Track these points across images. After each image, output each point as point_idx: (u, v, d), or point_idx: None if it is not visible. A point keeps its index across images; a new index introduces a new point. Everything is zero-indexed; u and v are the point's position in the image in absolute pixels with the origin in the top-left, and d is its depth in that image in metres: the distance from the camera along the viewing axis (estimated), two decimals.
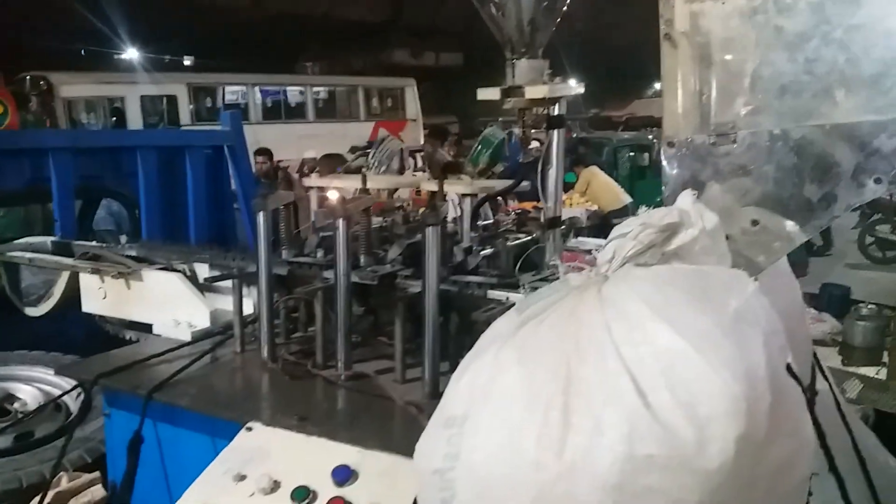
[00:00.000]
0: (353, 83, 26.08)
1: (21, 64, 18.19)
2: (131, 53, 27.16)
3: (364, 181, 3.30)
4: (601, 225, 12.97)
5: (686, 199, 1.95)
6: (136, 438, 2.75)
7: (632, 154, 16.60)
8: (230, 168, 5.56)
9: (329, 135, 21.05)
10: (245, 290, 3.51)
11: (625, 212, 12.66)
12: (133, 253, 4.04)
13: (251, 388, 2.92)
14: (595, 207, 12.27)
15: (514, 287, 2.83)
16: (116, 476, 3.14)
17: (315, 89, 25.25)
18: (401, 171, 16.27)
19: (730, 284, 1.58)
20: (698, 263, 1.78)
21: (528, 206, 12.68)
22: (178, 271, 3.82)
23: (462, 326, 2.97)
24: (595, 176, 12.63)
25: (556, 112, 3.03)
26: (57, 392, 4.20)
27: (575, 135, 16.57)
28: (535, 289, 2.75)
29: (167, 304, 3.64)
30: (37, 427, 3.76)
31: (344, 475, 2.11)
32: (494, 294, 2.80)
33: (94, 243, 4.46)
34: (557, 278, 2.93)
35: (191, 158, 5.29)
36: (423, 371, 2.71)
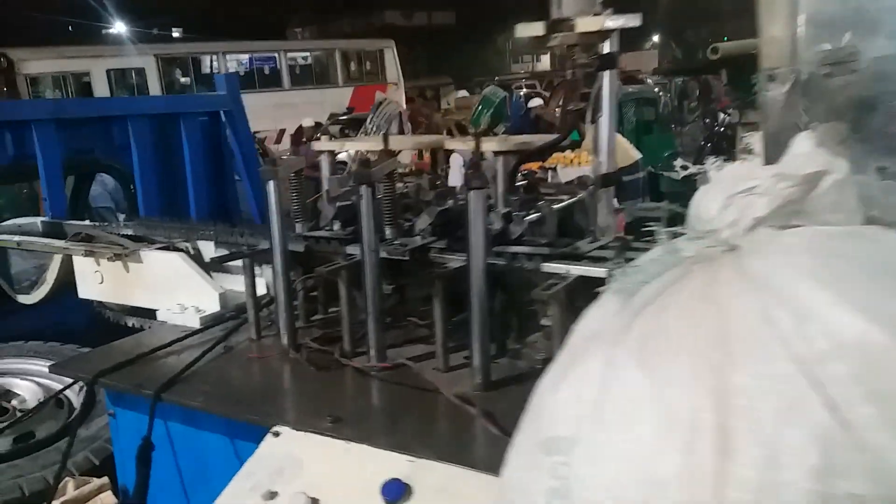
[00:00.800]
0: (329, 47, 25.14)
1: None
2: (116, 27, 26.40)
3: (386, 142, 2.91)
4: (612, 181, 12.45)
5: (806, 142, 1.57)
6: (146, 445, 2.41)
7: (637, 108, 16.07)
8: (229, 135, 5.15)
9: (306, 103, 20.27)
10: (256, 269, 3.15)
11: (635, 168, 12.26)
12: (130, 232, 3.66)
13: (273, 382, 2.57)
14: None
15: (574, 258, 2.46)
16: (127, 481, 2.81)
17: (290, 55, 24.30)
18: (400, 134, 15.82)
19: None
20: (824, 223, 1.41)
21: (533, 166, 12.27)
22: (181, 250, 3.45)
23: (512, 306, 2.61)
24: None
25: (607, 49, 2.62)
26: (58, 386, 3.86)
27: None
28: (603, 260, 2.38)
29: (170, 287, 3.28)
30: (38, 426, 3.42)
31: (397, 492, 1.77)
32: (550, 267, 2.43)
33: (88, 223, 4.08)
34: (624, 246, 2.59)
35: (186, 126, 4.88)
36: (471, 358, 2.36)
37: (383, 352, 2.56)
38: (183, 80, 20.77)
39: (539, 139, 3.06)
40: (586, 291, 2.47)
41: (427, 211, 2.86)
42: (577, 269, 2.38)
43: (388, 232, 2.81)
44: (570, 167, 11.61)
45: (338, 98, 21.68)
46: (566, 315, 2.24)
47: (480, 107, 14.88)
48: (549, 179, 11.88)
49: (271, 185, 2.62)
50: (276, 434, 2.17)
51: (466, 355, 2.59)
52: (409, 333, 2.90)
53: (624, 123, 15.41)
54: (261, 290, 3.33)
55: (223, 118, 5.11)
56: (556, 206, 2.99)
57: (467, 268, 2.29)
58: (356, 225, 3.07)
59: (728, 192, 1.48)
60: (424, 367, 2.57)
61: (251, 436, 2.25)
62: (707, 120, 17.98)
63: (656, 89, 19.97)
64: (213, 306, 3.19)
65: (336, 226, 3.11)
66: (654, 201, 11.59)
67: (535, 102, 13.08)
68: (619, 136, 12.36)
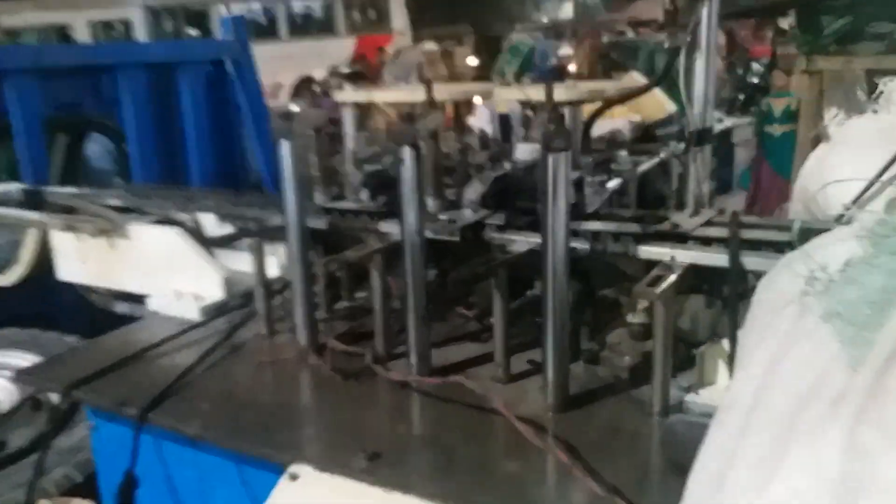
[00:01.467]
0: None
1: None
2: None
3: (430, 90, 2.31)
4: (644, 137, 11.84)
5: None
6: (128, 482, 1.89)
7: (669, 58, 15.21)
8: (236, 87, 4.55)
9: (305, 55, 19.08)
10: (267, 247, 2.60)
11: (669, 121, 11.54)
12: (117, 202, 3.11)
13: (288, 398, 2.03)
14: (638, 118, 11.12)
15: (677, 238, 1.90)
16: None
17: (290, 2, 23.02)
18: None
19: None
20: None
21: None
22: (177, 224, 2.90)
23: (589, 297, 2.06)
24: (636, 83, 11.39)
25: None
26: None
27: (605, 38, 15.20)
28: (716, 242, 1.81)
29: (165, 269, 2.73)
30: (10, 434, 2.91)
31: None
32: (649, 251, 1.86)
33: (72, 190, 3.52)
34: (737, 223, 2.01)
35: (186, 77, 4.29)
36: (542, 368, 1.81)
37: (427, 359, 2.01)
38: (174, 32, 19.14)
39: (612, 85, 2.45)
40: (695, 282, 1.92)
41: (479, 178, 2.29)
42: (686, 255, 1.80)
43: (430, 204, 2.25)
44: (602, 120, 10.90)
45: (338, 50, 20.28)
46: (670, 315, 1.68)
47: (509, 56, 14.03)
48: None
49: (286, 146, 2.05)
50: (294, 477, 1.65)
51: (530, 358, 2.06)
52: (455, 328, 2.36)
53: (654, 72, 14.59)
54: (273, 271, 2.79)
55: (229, 68, 4.51)
56: (640, 169, 2.41)
57: (542, 253, 1.73)
58: (389, 195, 2.52)
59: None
60: (478, 374, 2.03)
61: (263, 478, 1.73)
62: (739, 71, 17.05)
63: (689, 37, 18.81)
64: (215, 293, 2.65)
65: (363, 194, 2.55)
66: None
67: (565, 51, 12.33)
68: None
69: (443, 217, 2.20)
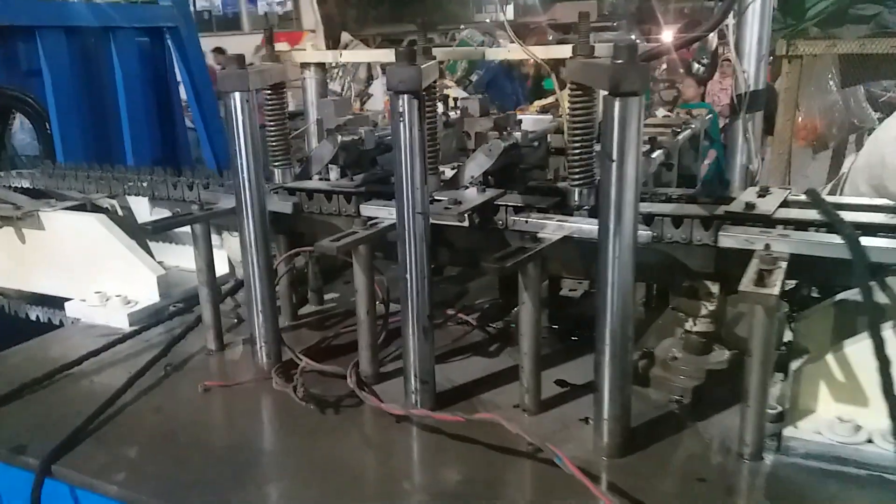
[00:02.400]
0: None
1: None
2: None
3: (411, 52, 1.80)
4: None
5: None
6: None
7: None
8: (175, 58, 3.97)
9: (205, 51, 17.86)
10: (215, 238, 2.09)
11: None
12: (28, 184, 2.54)
13: (247, 440, 1.51)
14: None
15: (758, 221, 1.45)
16: None
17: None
18: (368, 80, 14.54)
19: None
20: None
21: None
22: (102, 210, 2.36)
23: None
24: None
25: None
26: None
27: (550, 37, 14.89)
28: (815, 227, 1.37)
29: (86, 266, 2.20)
30: None
31: None
32: (732, 238, 1.41)
33: None
34: (818, 202, 1.56)
35: (119, 45, 3.69)
36: (597, 403, 1.34)
37: (431, 383, 1.53)
38: None
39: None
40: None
41: (484, 148, 1.80)
42: (783, 244, 1.35)
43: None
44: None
45: (240, 47, 19.06)
46: (774, 324, 1.23)
47: None
48: None
49: (238, 100, 1.54)
50: None
51: (558, 377, 1.61)
52: (453, 337, 1.89)
53: None
54: (223, 268, 2.27)
55: (167, 37, 3.94)
56: (680, 138, 1.96)
57: (601, 241, 1.26)
58: (368, 171, 2.03)
59: None
60: (494, 401, 1.57)
61: None
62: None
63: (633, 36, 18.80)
64: (149, 296, 2.13)
65: (333, 173, 2.05)
66: None
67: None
68: None
69: (444, 198, 1.72)
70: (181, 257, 2.39)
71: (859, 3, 5.52)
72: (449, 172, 2.35)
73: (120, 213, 2.43)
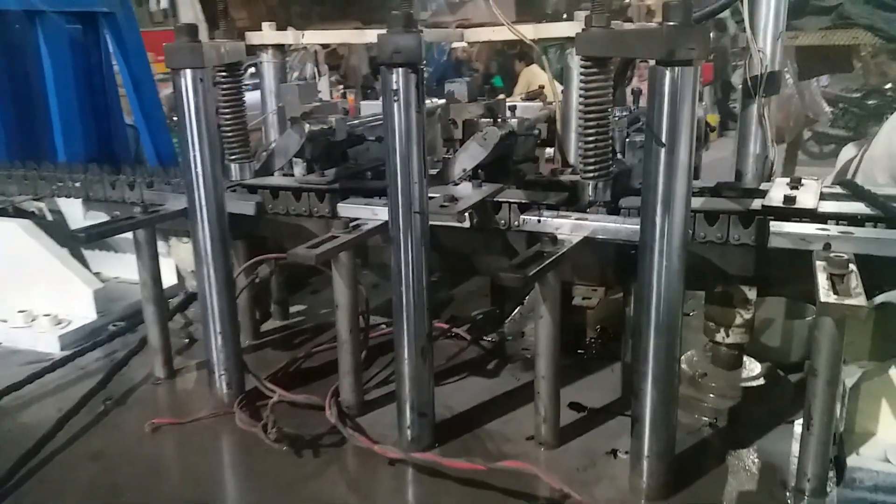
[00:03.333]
0: None
1: None
2: None
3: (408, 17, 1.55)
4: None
5: None
6: None
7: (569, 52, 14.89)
8: (110, 47, 3.62)
9: None
10: (162, 246, 1.80)
11: None
12: None
13: (207, 493, 1.24)
14: None
15: (810, 217, 1.25)
16: None
17: None
18: (314, 76, 14.17)
19: None
20: None
21: None
22: (27, 215, 2.05)
23: None
24: (537, 76, 10.81)
25: None
26: None
27: None
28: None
29: (8, 279, 1.88)
30: None
31: None
32: (785, 235, 1.20)
33: None
34: (860, 193, 1.36)
35: (46, 31, 3.32)
36: (636, 438, 1.12)
37: (430, 416, 1.28)
38: None
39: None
40: None
41: (478, 137, 1.57)
42: (846, 244, 1.15)
43: None
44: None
45: None
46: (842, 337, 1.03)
47: None
48: None
49: (189, 78, 1.27)
50: None
51: (572, 399, 1.39)
52: (450, 354, 1.65)
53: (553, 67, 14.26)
54: (170, 279, 1.99)
55: (103, 24, 3.58)
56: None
57: (643, 243, 1.04)
58: (340, 165, 1.77)
59: None
60: (505, 432, 1.33)
61: None
62: None
63: None
64: (84, 314, 1.83)
65: (298, 168, 1.79)
66: None
67: (458, 44, 11.76)
68: (555, 83, 11.26)
69: (431, 195, 1.48)
70: (121, 267, 2.09)
71: None
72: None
73: (49, 217, 2.13)
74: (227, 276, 1.43)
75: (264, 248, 1.68)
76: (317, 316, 1.92)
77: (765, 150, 1.74)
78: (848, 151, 2.64)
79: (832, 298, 0.96)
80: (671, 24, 0.94)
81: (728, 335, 1.40)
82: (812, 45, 5.63)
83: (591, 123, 1.37)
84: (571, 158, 1.80)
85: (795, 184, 1.45)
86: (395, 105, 1.12)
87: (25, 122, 3.40)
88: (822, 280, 1.02)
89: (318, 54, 14.59)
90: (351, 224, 1.39)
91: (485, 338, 1.74)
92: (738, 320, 1.38)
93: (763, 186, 1.52)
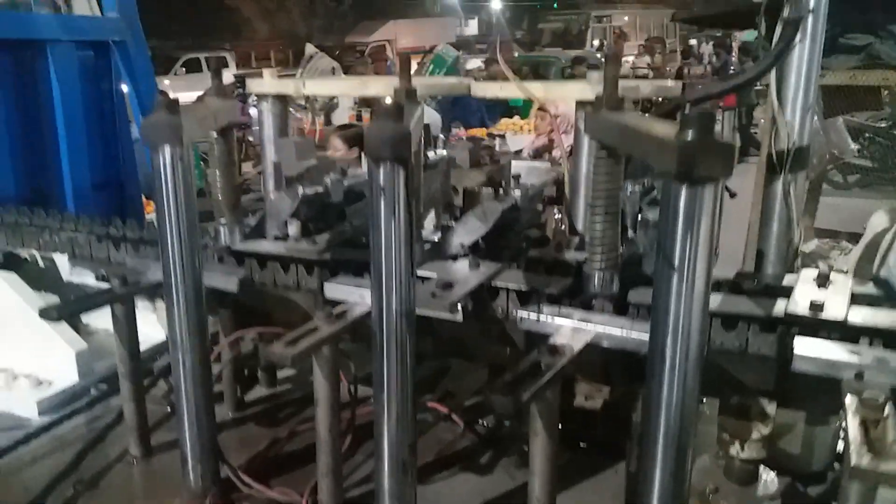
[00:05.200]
0: None
1: None
2: None
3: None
4: None
5: None
6: None
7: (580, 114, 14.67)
8: (123, 76, 3.57)
9: None
10: (147, 303, 1.72)
11: None
12: None
13: None
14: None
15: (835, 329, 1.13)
16: None
17: None
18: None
19: None
20: None
21: (478, 132, 10.72)
22: (18, 262, 1.98)
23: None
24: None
25: None
26: None
27: (517, 53, 14.70)
28: None
29: None
30: None
31: None
32: (808, 361, 1.09)
33: None
34: None
35: (57, 61, 3.28)
36: None
37: None
38: None
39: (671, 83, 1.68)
40: None
41: (478, 212, 1.48)
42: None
43: None
44: (519, 134, 10.19)
45: None
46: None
47: (432, 66, 13.31)
48: (497, 148, 10.41)
49: (167, 155, 1.18)
50: None
51: (573, 500, 1.28)
52: (440, 440, 1.54)
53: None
54: (156, 335, 1.90)
55: (114, 52, 3.53)
56: None
57: (652, 354, 0.94)
58: (334, 228, 1.68)
59: None
60: None
61: None
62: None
63: (598, 54, 18.83)
64: (66, 375, 1.74)
65: (293, 227, 1.70)
66: None
67: (474, 64, 11.70)
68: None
69: (425, 274, 1.38)
70: (105, 322, 2.00)
71: (850, 32, 5.33)
72: (429, 222, 2.04)
73: (41, 264, 2.05)
74: (203, 361, 1.33)
75: (250, 317, 1.59)
76: (306, 384, 1.82)
77: (789, 232, 1.63)
78: (879, 220, 2.49)
79: (865, 461, 0.84)
80: (689, 137, 0.84)
81: (743, 449, 1.28)
82: (843, 85, 5.49)
83: (599, 210, 1.27)
84: (580, 224, 1.70)
85: (823, 280, 1.33)
86: (383, 200, 1.02)
87: (33, 156, 3.36)
88: (853, 428, 0.91)
89: (335, 71, 14.49)
90: (336, 310, 1.30)
91: (480, 421, 1.63)
92: (755, 435, 1.26)
93: (787, 279, 1.40)
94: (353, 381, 1.50)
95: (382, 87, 1.92)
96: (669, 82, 1.71)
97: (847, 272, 1.41)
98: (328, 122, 12.65)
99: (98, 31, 3.59)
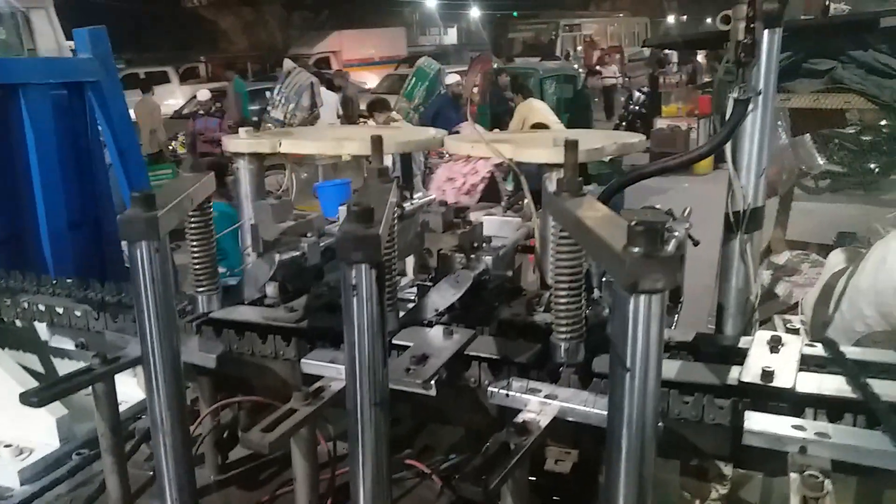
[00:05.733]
0: None
1: None
2: None
3: (377, 146, 1.51)
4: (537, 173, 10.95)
5: None
6: None
7: (558, 85, 14.96)
8: (98, 119, 3.59)
9: None
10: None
11: None
12: None
13: None
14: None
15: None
16: None
17: None
18: (311, 107, 14.15)
19: None
20: None
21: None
22: None
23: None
24: (533, 111, 10.50)
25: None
26: None
27: (495, 64, 14.83)
28: None
29: None
30: None
31: None
32: (757, 436, 1.15)
33: None
34: None
35: (30, 105, 3.31)
36: None
37: None
38: None
39: (611, 142, 1.75)
40: None
41: (451, 279, 1.54)
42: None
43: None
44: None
45: None
46: None
47: (414, 79, 13.38)
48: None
49: (144, 251, 1.22)
50: None
51: None
52: (417, 501, 1.59)
53: (545, 101, 14.34)
54: (137, 395, 1.93)
55: (88, 92, 3.55)
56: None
57: (610, 449, 0.99)
58: (312, 290, 1.74)
59: None
60: None
61: None
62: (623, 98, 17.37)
63: (576, 66, 19.04)
64: (46, 441, 1.77)
65: (271, 287, 1.76)
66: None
67: (453, 79, 11.77)
68: (551, 116, 11.11)
69: (400, 342, 1.43)
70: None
71: (813, 57, 5.47)
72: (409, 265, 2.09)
73: (19, 324, 2.07)
74: (184, 441, 1.35)
75: (229, 385, 1.64)
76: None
77: (747, 287, 1.70)
78: (837, 258, 2.60)
79: None
80: (636, 252, 0.90)
81: None
82: (806, 108, 5.63)
83: (563, 287, 1.34)
84: (549, 279, 1.76)
85: (776, 344, 1.41)
86: (354, 300, 1.07)
87: (8, 192, 3.38)
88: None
89: (314, 86, 14.33)
90: (313, 388, 1.35)
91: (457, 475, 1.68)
92: (714, 494, 1.33)
93: (743, 341, 1.47)
94: (332, 441, 1.55)
95: (357, 147, 1.98)
96: (634, 139, 1.78)
97: (799, 333, 1.48)
98: None
99: (72, 72, 3.61)
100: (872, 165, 11.61)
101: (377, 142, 1.51)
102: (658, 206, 1.82)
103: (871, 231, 5.36)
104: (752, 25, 1.37)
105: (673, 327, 2.08)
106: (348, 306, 1.08)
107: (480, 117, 13.48)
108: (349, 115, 14.41)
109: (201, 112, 11.37)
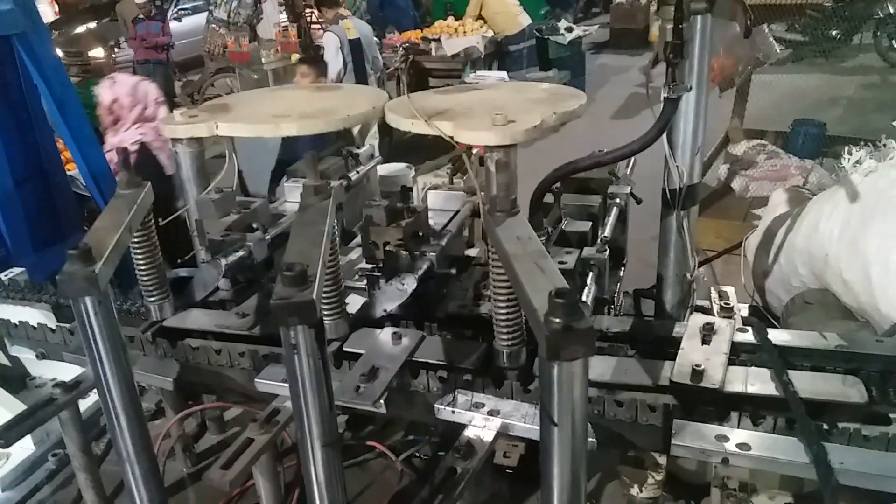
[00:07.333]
0: None
1: None
2: None
3: None
4: (498, 53, 10.84)
5: None
6: None
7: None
8: (30, 71, 3.43)
9: None
10: None
11: (522, 36, 10.59)
12: None
13: None
14: (490, 33, 10.34)
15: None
16: None
17: None
18: (255, 3, 13.40)
19: None
20: None
21: (413, 36, 10.37)
22: None
23: None
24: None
25: None
26: None
27: None
28: None
29: None
30: None
31: None
32: (684, 448, 1.25)
33: None
34: None
35: None
36: None
37: None
38: None
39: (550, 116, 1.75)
40: None
41: (397, 283, 1.58)
42: None
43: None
44: (455, 37, 10.00)
45: None
46: None
47: None
48: (434, 52, 10.22)
49: (89, 306, 1.23)
50: None
51: None
52: (372, 480, 1.70)
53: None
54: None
55: (16, 46, 3.38)
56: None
57: (545, 465, 1.08)
58: (262, 283, 1.77)
59: None
60: None
61: None
62: None
63: None
64: (20, 444, 1.83)
65: (224, 282, 1.80)
66: (542, 70, 10.32)
67: None
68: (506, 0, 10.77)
69: (352, 350, 1.49)
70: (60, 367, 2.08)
71: None
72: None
73: None
74: (149, 465, 1.42)
75: (192, 392, 1.70)
76: None
77: (686, 260, 1.77)
78: (779, 198, 2.66)
79: None
80: (556, 324, 0.94)
81: (642, 490, 1.47)
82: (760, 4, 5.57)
83: (501, 299, 1.38)
84: None
85: (708, 332, 1.49)
86: (295, 357, 1.11)
87: None
88: None
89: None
90: (267, 411, 1.41)
91: (417, 455, 1.78)
92: (651, 480, 1.44)
93: (678, 328, 1.54)
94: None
95: (296, 128, 1.95)
96: (574, 103, 1.76)
97: (733, 313, 1.55)
98: (254, 37, 12.10)
99: None
100: (834, 32, 11.43)
101: (312, 159, 1.49)
102: (603, 150, 1.84)
103: None
104: (680, 27, 1.36)
105: (618, 286, 2.17)
106: (290, 363, 1.12)
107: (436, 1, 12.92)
108: (295, 12, 13.74)
109: (141, 16, 10.77)
